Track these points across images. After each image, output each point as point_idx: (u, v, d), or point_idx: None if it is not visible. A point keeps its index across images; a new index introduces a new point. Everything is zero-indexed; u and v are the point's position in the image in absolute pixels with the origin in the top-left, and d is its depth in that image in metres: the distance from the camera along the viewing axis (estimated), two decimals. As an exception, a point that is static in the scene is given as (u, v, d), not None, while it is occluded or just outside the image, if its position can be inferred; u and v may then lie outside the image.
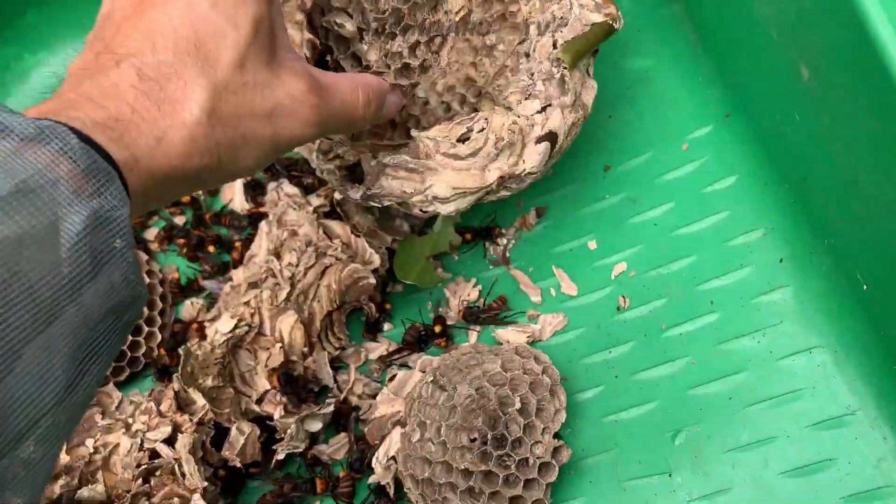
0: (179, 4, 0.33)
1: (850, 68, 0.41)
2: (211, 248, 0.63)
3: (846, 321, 0.50)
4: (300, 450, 0.55)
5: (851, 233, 0.47)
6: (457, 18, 0.51)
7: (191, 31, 0.33)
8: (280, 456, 0.54)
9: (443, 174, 0.48)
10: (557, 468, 0.49)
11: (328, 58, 0.53)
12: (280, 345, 0.55)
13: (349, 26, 0.51)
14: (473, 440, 0.50)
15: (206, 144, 0.33)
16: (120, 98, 0.31)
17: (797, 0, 0.43)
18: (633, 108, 0.59)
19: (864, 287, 0.48)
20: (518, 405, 0.50)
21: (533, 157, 0.47)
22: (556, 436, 0.51)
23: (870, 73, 0.39)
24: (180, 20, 0.33)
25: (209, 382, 0.55)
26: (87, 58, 0.33)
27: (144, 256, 0.63)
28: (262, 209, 0.63)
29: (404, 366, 0.58)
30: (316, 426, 0.56)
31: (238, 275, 0.58)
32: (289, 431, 0.53)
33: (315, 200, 0.60)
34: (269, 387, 0.55)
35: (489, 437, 0.49)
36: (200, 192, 0.65)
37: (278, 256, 0.57)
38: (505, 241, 0.59)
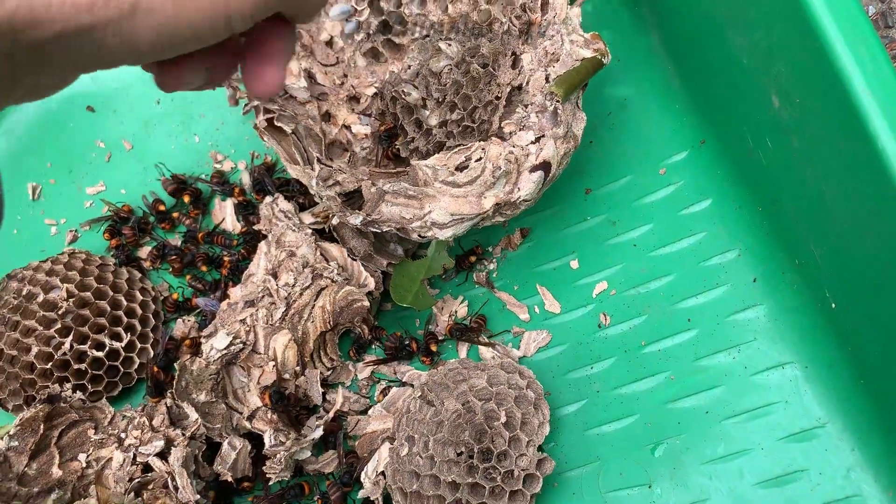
0: None
1: (817, 95, 0.44)
2: (203, 268, 0.65)
3: (816, 337, 0.53)
4: (287, 478, 0.56)
5: (821, 253, 0.50)
6: (507, 90, 0.53)
7: None
8: (271, 482, 0.56)
9: (441, 201, 0.50)
10: (542, 479, 0.51)
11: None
12: (273, 363, 0.56)
13: (415, 94, 0.53)
14: (460, 454, 0.51)
15: None
16: None
17: (768, 31, 0.46)
18: (612, 135, 0.62)
19: (833, 305, 0.50)
20: (503, 419, 0.52)
21: (528, 186, 0.50)
22: (540, 448, 0.52)
23: (836, 100, 0.42)
24: None
25: (202, 398, 0.56)
26: None
27: (138, 274, 0.64)
28: (255, 227, 0.64)
29: (396, 383, 0.59)
30: (305, 454, 0.57)
31: (235, 293, 0.59)
32: (278, 457, 0.55)
33: (307, 218, 0.61)
34: (260, 404, 0.56)
35: (475, 450, 0.51)
36: (193, 212, 0.66)
37: (275, 276, 0.58)
38: (489, 265, 0.61)
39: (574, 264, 0.60)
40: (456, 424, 0.52)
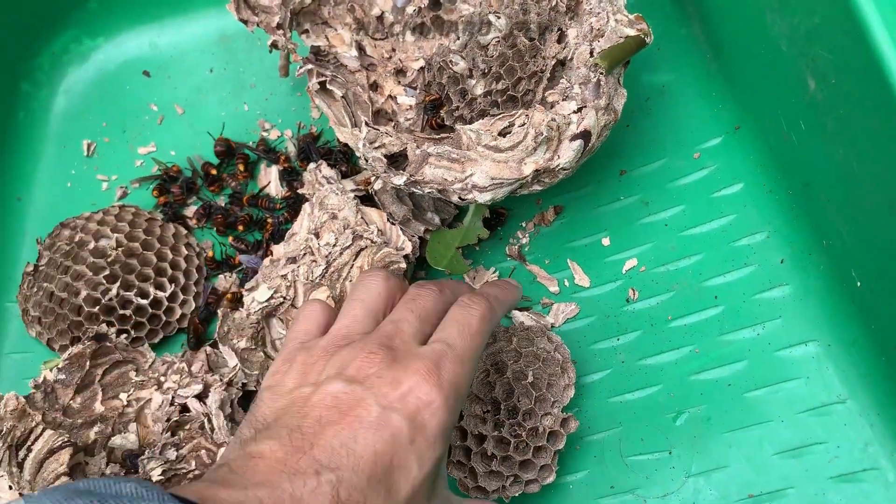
0: (385, 434, 0.36)
1: (853, 78, 0.46)
2: (240, 227, 0.67)
3: (840, 317, 0.54)
4: None
5: (849, 233, 0.51)
6: (552, 63, 0.55)
7: (387, 461, 0.36)
8: None
9: (482, 164, 0.52)
10: (565, 437, 0.53)
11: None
12: (311, 314, 0.59)
13: (462, 64, 0.56)
14: (487, 411, 0.53)
15: None
16: None
17: (808, 15, 0.48)
18: (649, 119, 0.64)
19: (858, 284, 0.52)
20: (531, 379, 0.54)
21: (567, 154, 0.52)
22: (565, 410, 0.54)
23: (872, 82, 0.44)
24: (383, 448, 0.36)
25: (242, 344, 0.58)
26: (286, 446, 0.36)
27: (183, 231, 0.67)
28: (299, 191, 0.67)
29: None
30: None
31: (278, 250, 0.62)
32: None
33: (349, 185, 0.64)
34: (298, 352, 0.58)
35: (502, 407, 0.53)
36: (242, 175, 0.69)
37: (317, 236, 0.61)
38: (521, 239, 0.63)
39: (605, 241, 0.62)
40: (484, 383, 0.54)
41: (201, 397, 0.57)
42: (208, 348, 0.60)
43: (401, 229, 0.62)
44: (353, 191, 0.64)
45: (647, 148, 0.63)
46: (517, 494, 0.52)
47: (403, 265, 0.60)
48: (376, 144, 0.55)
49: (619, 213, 0.62)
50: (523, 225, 0.64)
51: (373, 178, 0.63)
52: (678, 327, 0.57)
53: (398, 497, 0.36)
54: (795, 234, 0.57)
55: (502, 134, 0.52)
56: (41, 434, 0.53)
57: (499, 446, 0.53)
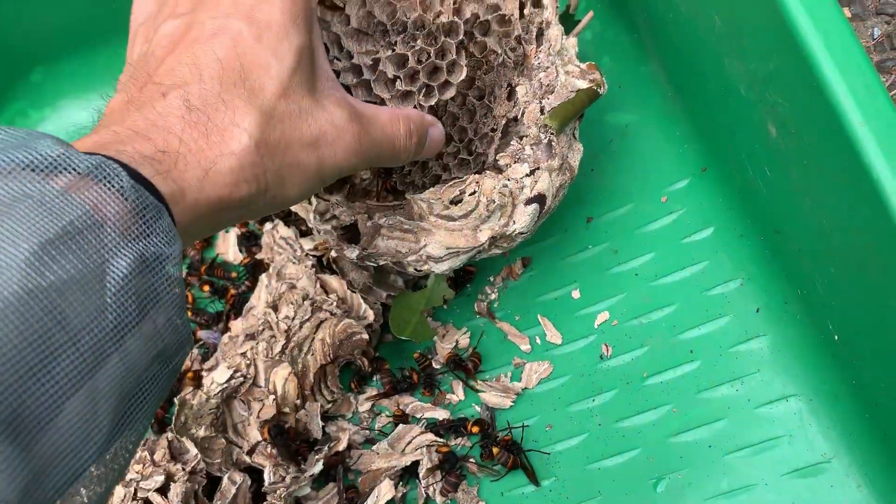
0: (224, 39, 0.34)
1: (812, 127, 0.43)
2: (205, 288, 0.65)
3: (820, 370, 0.52)
4: None
5: (823, 284, 0.49)
6: (503, 122, 0.52)
7: (236, 63, 0.33)
8: None
9: (436, 234, 0.49)
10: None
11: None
12: (273, 397, 0.56)
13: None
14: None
15: (254, 173, 0.32)
16: (167, 129, 0.31)
17: (764, 61, 0.46)
18: (613, 162, 0.62)
19: (836, 337, 0.49)
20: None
21: (523, 219, 0.49)
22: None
23: (831, 132, 0.41)
24: (225, 53, 0.33)
25: (202, 433, 0.56)
26: (131, 91, 0.33)
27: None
28: (257, 256, 0.65)
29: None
30: (304, 491, 0.57)
31: (236, 325, 0.59)
32: (278, 493, 0.54)
33: (307, 244, 0.61)
34: (260, 438, 0.56)
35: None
36: (193, 246, 0.67)
37: (276, 309, 0.58)
38: (490, 295, 0.61)
39: (576, 294, 0.59)
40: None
41: (164, 490, 0.55)
42: (170, 434, 0.57)
43: (362, 297, 0.59)
44: (311, 251, 0.62)
45: (613, 192, 0.61)
46: (433, 103, 0.47)
47: (366, 336, 0.58)
48: (327, 216, 0.53)
49: (588, 262, 0.60)
50: (491, 279, 0.62)
51: (329, 246, 0.60)
52: (654, 385, 0.55)
53: (265, 94, 0.33)
54: (770, 282, 0.54)
55: (454, 202, 0.50)
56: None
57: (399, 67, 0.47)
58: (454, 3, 0.47)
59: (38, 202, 0.24)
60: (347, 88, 0.47)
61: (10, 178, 0.24)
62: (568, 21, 0.62)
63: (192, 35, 0.34)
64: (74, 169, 0.26)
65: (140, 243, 0.26)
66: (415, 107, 0.47)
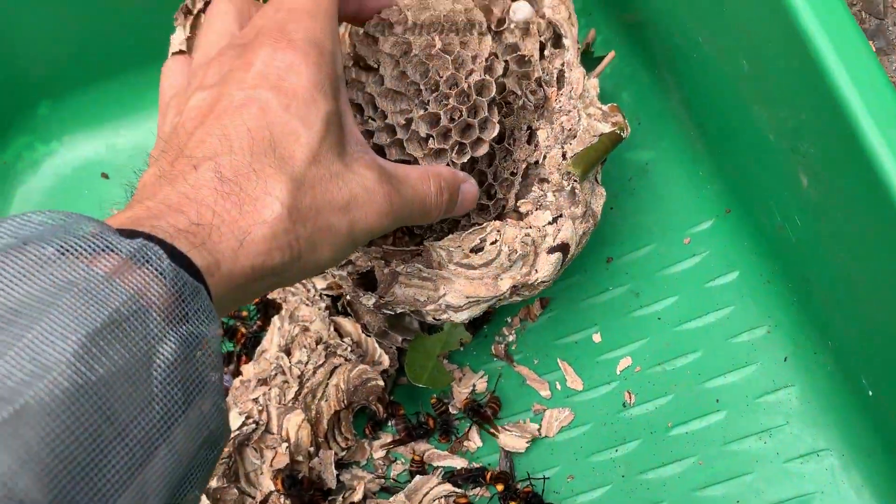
0: (253, 109, 0.34)
1: (847, 181, 0.42)
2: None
3: (853, 424, 0.50)
4: None
5: (854, 336, 0.48)
6: (523, 166, 0.51)
7: (266, 133, 0.33)
8: None
9: (456, 283, 0.48)
10: (493, 83, 0.45)
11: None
12: (286, 444, 0.55)
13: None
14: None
15: (287, 240, 0.32)
16: (200, 201, 0.31)
17: (795, 111, 0.44)
18: (634, 200, 0.60)
19: (870, 393, 0.47)
20: (439, 45, 0.44)
21: (545, 268, 0.48)
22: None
23: (866, 188, 0.40)
24: (255, 123, 0.33)
25: (214, 483, 0.54)
26: (163, 165, 0.33)
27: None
28: (268, 296, 0.63)
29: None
30: None
31: (248, 370, 0.58)
32: None
33: (320, 283, 0.60)
34: (273, 488, 0.55)
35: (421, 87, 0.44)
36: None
37: (288, 353, 0.57)
38: (508, 336, 0.60)
39: (596, 338, 0.58)
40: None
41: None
42: (181, 482, 0.56)
43: (377, 341, 0.58)
44: (324, 291, 0.60)
45: (634, 232, 0.60)
46: (466, 160, 0.46)
47: (381, 383, 0.57)
48: (343, 263, 0.52)
49: (608, 305, 0.59)
50: (509, 321, 0.61)
51: (344, 292, 0.59)
52: (679, 435, 0.53)
53: (296, 162, 0.34)
54: (798, 330, 0.53)
55: (474, 250, 0.48)
56: None
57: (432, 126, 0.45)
58: (486, 62, 0.45)
59: (84, 290, 0.24)
60: (381, 148, 0.46)
61: (56, 266, 0.24)
62: (587, 58, 0.60)
63: (221, 106, 0.34)
64: (117, 252, 0.25)
65: (183, 327, 0.26)
66: (447, 164, 0.46)
